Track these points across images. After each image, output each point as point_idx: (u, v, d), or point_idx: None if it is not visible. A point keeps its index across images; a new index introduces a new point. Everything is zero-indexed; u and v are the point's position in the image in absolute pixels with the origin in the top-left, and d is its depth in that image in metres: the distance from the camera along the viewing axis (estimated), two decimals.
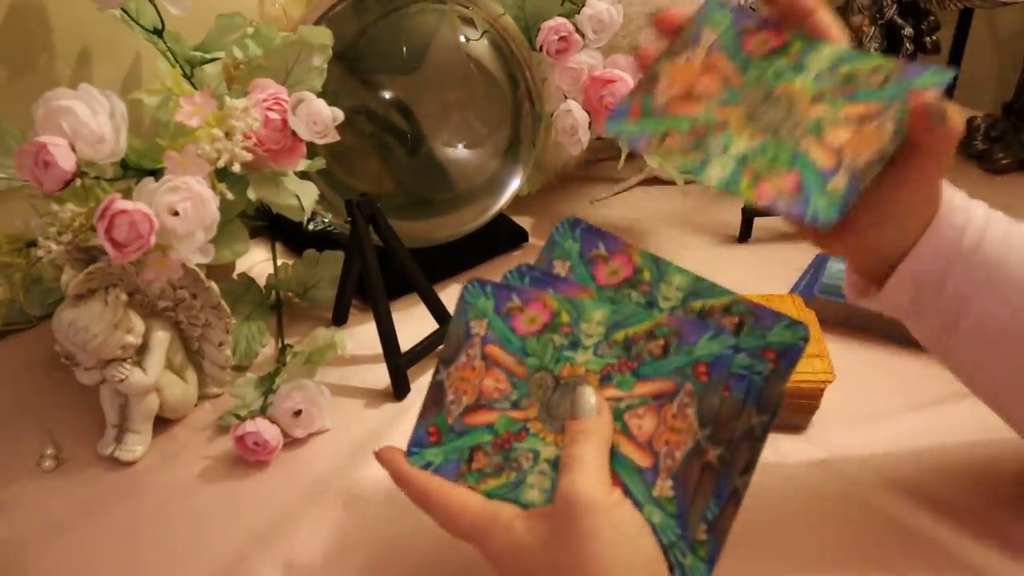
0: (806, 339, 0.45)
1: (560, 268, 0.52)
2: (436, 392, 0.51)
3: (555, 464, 0.47)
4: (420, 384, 0.73)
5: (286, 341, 0.75)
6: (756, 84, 0.50)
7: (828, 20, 0.50)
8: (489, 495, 0.48)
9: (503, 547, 0.46)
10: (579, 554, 0.43)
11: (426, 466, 0.50)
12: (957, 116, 0.45)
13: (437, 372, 0.52)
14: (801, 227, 0.50)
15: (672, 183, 0.93)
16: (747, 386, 0.46)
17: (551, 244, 0.52)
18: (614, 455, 0.46)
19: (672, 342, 0.47)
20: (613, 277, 0.50)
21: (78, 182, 0.60)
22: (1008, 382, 0.52)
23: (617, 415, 0.47)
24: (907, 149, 0.46)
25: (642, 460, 0.46)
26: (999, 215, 0.51)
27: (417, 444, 0.51)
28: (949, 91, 1.23)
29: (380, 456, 0.51)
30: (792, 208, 0.44)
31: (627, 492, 0.45)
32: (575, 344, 0.49)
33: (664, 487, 0.45)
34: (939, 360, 0.54)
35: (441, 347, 0.74)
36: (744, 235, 0.92)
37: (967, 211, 0.50)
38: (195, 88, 0.70)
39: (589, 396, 0.47)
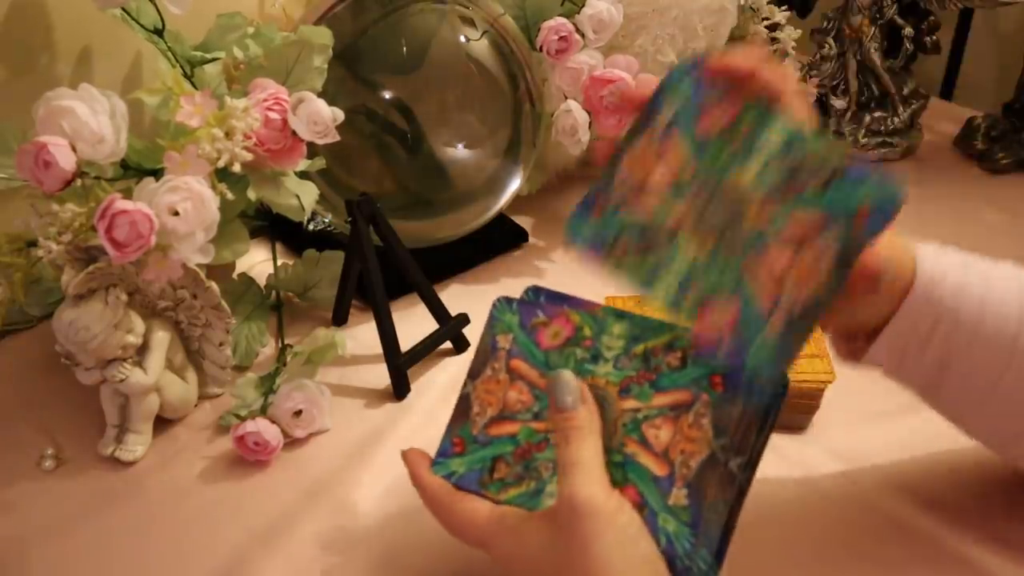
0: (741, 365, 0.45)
1: (504, 342, 0.53)
2: (463, 404, 0.53)
3: None
4: (420, 384, 0.73)
5: (286, 341, 0.75)
6: (707, 173, 0.48)
7: (775, 78, 0.47)
8: (509, 503, 0.49)
9: (510, 550, 0.47)
10: (583, 556, 0.43)
11: (449, 475, 0.51)
12: None
13: (464, 385, 0.53)
14: None
15: None
16: (768, 401, 0.46)
17: (492, 321, 0.54)
18: (631, 464, 0.47)
19: (689, 354, 0.48)
20: (555, 339, 0.51)
21: (78, 182, 0.60)
22: (998, 428, 0.54)
23: (635, 426, 0.48)
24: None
25: (658, 469, 0.46)
26: (975, 272, 0.51)
27: (443, 454, 0.52)
28: (948, 92, 1.24)
29: (406, 457, 0.53)
30: (731, 357, 0.44)
31: (644, 501, 0.46)
32: (596, 357, 0.50)
33: (679, 495, 0.46)
34: (929, 406, 0.55)
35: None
36: None
37: (942, 276, 0.50)
38: (195, 88, 0.70)
39: (570, 380, 0.48)
